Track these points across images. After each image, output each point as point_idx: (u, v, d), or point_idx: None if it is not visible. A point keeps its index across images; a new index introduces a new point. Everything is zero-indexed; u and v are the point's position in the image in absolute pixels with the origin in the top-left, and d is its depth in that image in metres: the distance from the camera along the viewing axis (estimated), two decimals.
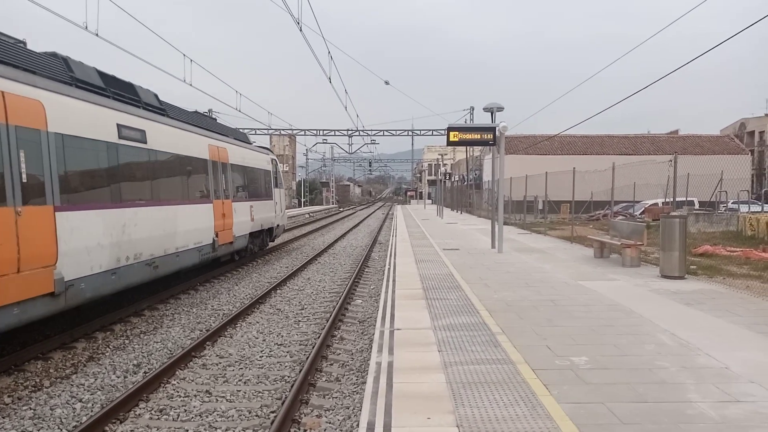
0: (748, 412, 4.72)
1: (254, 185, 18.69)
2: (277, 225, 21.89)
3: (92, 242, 9.09)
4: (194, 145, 13.71)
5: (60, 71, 9.18)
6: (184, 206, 12.83)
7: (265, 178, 20.16)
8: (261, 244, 20.08)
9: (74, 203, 8.70)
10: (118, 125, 10.20)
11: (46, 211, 7.97)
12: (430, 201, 77.04)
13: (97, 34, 13.93)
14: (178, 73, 20.96)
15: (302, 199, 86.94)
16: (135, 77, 12.41)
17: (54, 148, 8.24)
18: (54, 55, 9.39)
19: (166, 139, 12.11)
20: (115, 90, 10.74)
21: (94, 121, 9.46)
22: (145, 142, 11.16)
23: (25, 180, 7.52)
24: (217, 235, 14.65)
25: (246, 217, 17.48)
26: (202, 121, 15.66)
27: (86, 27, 13.56)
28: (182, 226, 12.57)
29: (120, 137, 10.22)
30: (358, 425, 5.40)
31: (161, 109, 12.60)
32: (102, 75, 10.51)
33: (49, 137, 8.14)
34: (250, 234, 18.06)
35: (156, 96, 12.62)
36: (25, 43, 8.46)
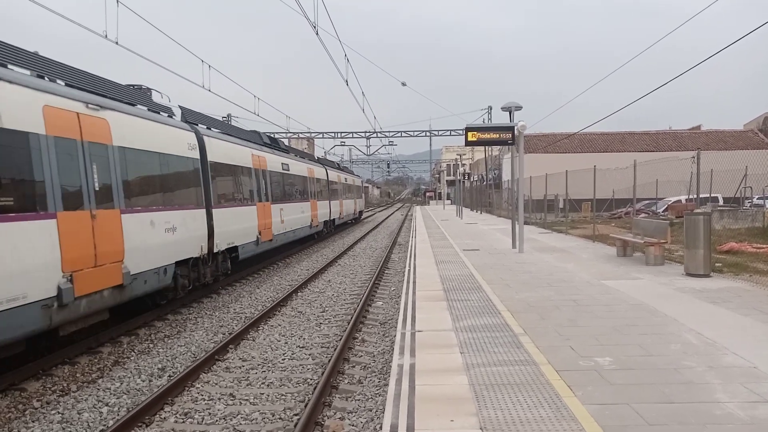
0: None
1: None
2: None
3: (278, 218, 19.38)
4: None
5: (258, 138, 19.90)
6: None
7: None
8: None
9: (275, 202, 19.11)
10: (282, 164, 21.30)
11: (267, 205, 18.18)
12: (449, 201, 76.78)
13: (116, 42, 14.12)
14: (197, 79, 21.18)
15: None
16: (155, 84, 12.61)
17: (268, 178, 18.70)
18: (255, 131, 20.88)
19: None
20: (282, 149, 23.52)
21: (278, 163, 20.66)
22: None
23: (259, 191, 17.67)
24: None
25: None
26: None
27: (106, 35, 13.74)
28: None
29: (281, 169, 21.38)
30: (381, 428, 5.40)
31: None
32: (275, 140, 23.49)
33: (265, 173, 18.38)
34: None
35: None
36: (149, 90, 11.53)
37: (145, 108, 11.52)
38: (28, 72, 8.15)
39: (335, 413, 6.51)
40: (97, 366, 8.52)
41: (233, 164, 15.66)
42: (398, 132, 56.95)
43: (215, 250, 13.64)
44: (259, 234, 17.21)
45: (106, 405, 6.91)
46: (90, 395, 7.24)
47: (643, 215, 22.10)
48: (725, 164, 21.02)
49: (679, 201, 27.27)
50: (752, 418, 4.52)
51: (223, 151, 14.95)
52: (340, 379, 7.67)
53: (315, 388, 7.04)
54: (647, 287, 10.41)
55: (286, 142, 45.43)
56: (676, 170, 21.26)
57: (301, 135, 58.28)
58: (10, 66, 7.79)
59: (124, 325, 10.42)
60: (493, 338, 7.13)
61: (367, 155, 75.25)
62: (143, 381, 7.81)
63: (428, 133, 57.24)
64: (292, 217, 21.50)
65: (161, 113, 12.23)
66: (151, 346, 9.63)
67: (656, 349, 6.46)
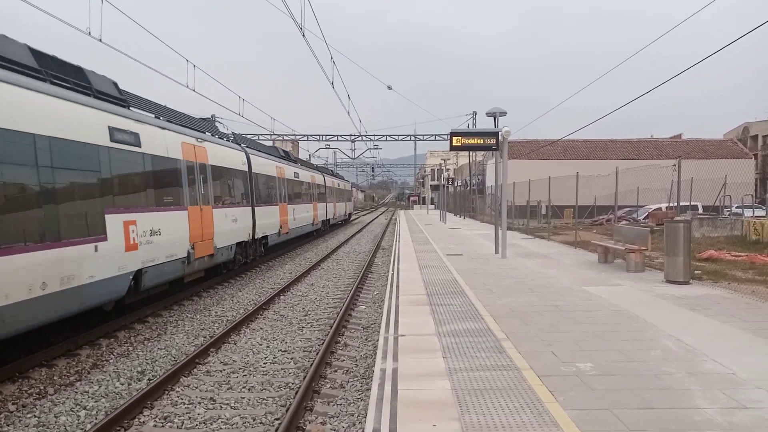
0: (755, 418, 4.68)
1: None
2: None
3: (291, 217, 23.86)
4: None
5: (276, 152, 25.54)
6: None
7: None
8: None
9: (290, 203, 23.96)
10: (294, 172, 25.99)
11: (285, 205, 22.95)
12: (433, 206, 76.96)
13: (100, 40, 13.96)
14: (182, 79, 21.00)
15: None
16: (139, 83, 12.58)
17: (286, 185, 23.55)
18: (273, 146, 28.11)
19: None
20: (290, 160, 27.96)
21: (291, 172, 25.31)
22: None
23: (280, 194, 22.71)
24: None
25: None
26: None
27: (89, 33, 13.56)
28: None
29: (293, 176, 25.77)
30: None
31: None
32: (287, 153, 28.92)
33: (284, 181, 23.38)
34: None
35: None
36: (214, 120, 14.07)
37: (216, 136, 16.63)
38: (161, 118, 12.70)
39: (317, 417, 6.47)
40: (75, 369, 8.39)
41: (266, 174, 20.67)
42: (383, 136, 56.86)
43: (256, 237, 18.57)
44: (281, 227, 22.15)
45: (84, 408, 6.80)
46: (67, 398, 7.12)
47: (624, 222, 22.33)
48: (705, 173, 21.37)
49: (660, 209, 27.63)
50: (731, 424, 4.58)
51: (260, 164, 20.05)
52: (322, 383, 7.63)
53: (296, 393, 7.00)
54: (628, 294, 10.51)
55: (270, 143, 45.35)
56: (657, 178, 21.55)
57: (285, 137, 58.08)
58: (161, 117, 12.70)
59: (103, 327, 10.28)
60: (476, 343, 7.15)
61: (351, 159, 75.17)
62: (122, 384, 7.70)
63: (413, 138, 57.35)
64: (300, 216, 26.40)
65: (224, 138, 17.56)
66: (130, 348, 9.50)
67: (637, 355, 6.51)
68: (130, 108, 11.22)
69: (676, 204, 15.09)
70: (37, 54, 8.91)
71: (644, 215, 29.51)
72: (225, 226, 15.34)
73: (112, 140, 9.79)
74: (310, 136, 56.63)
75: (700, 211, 25.73)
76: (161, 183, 11.72)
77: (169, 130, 12.46)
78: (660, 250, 14.05)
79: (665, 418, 4.72)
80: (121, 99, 10.98)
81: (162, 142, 11.90)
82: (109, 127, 9.76)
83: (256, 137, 45.22)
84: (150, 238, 10.80)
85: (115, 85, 11.07)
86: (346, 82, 29.22)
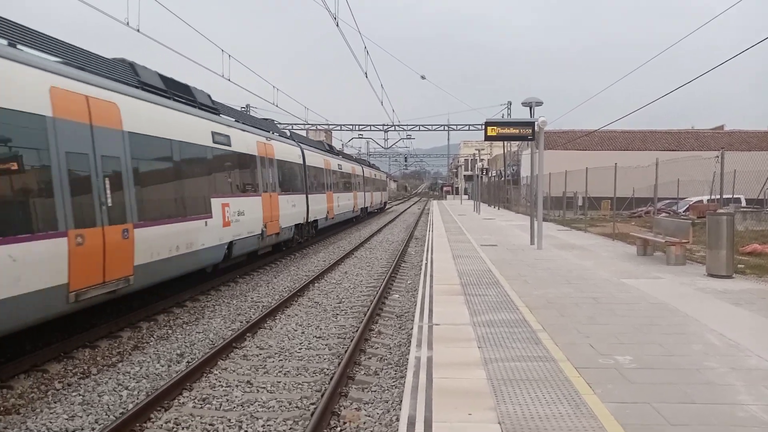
0: None
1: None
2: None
3: (336, 204, 27.01)
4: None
5: (323, 146, 29.01)
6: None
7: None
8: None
9: (334, 192, 27.39)
10: (338, 164, 29.18)
11: (330, 194, 26.14)
12: (466, 196, 76.47)
13: (138, 30, 14.20)
14: (217, 69, 21.25)
15: None
16: (175, 73, 12.70)
17: (331, 176, 27.37)
18: (320, 141, 32.35)
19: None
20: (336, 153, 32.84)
21: (336, 164, 28.84)
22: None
23: (327, 184, 26.01)
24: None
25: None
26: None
27: (128, 23, 13.82)
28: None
29: (337, 168, 28.91)
30: (398, 419, 5.42)
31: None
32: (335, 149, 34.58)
33: (330, 172, 26.93)
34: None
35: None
36: (273, 120, 20.20)
37: (277, 134, 19.63)
38: (240, 121, 15.58)
39: (352, 403, 6.53)
40: (117, 350, 8.63)
41: (316, 166, 23.85)
42: (416, 126, 56.49)
43: (309, 221, 21.61)
44: (327, 213, 25.26)
45: (126, 388, 7.00)
46: (110, 378, 7.34)
47: (663, 214, 21.83)
48: (749, 165, 20.68)
49: (701, 201, 26.91)
50: None
51: (311, 157, 23.15)
52: (357, 370, 7.68)
53: (331, 378, 7.07)
54: (668, 287, 10.29)
55: (304, 133, 45.58)
56: (698, 170, 20.98)
57: (319, 127, 58.31)
58: (240, 121, 15.61)
59: (144, 310, 10.54)
60: (511, 333, 7.10)
61: (385, 148, 74.99)
62: (162, 366, 7.89)
63: (446, 128, 56.92)
64: (343, 203, 29.70)
65: (283, 136, 20.62)
66: (170, 332, 9.73)
67: (677, 349, 6.38)
68: (221, 115, 13.96)
69: (718, 196, 14.68)
70: (163, 78, 11.42)
71: (685, 207, 28.79)
72: (287, 210, 18.26)
73: (214, 142, 12.65)
74: (344, 125, 56.66)
75: (743, 204, 24.98)
76: (244, 174, 14.70)
77: (247, 131, 15.29)
78: (701, 243, 13.69)
79: (707, 413, 4.62)
80: (214, 108, 13.64)
81: (244, 142, 14.70)
82: (211, 132, 12.61)
83: (290, 127, 45.48)
84: (237, 218, 13.57)
85: (209, 96, 13.65)
86: (380, 72, 29.13)
